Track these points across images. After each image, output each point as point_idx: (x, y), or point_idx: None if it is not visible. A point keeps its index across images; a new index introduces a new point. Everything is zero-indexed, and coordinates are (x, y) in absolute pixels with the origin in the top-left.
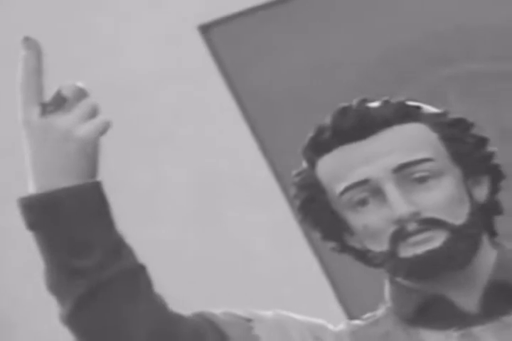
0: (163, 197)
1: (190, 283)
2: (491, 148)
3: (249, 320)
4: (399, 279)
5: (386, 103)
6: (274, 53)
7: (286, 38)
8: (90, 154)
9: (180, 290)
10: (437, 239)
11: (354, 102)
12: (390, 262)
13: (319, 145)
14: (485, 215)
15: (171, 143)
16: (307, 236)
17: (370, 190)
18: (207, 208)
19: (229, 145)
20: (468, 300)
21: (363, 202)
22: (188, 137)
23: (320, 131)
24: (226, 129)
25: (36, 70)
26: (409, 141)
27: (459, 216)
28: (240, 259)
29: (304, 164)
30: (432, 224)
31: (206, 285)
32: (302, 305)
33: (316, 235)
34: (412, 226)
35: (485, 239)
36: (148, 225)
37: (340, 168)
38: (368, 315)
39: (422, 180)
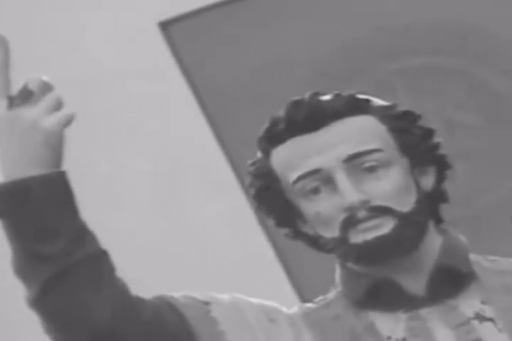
0: (124, 186)
1: (151, 268)
2: (437, 139)
3: (207, 303)
4: (349, 264)
5: (337, 96)
6: (231, 49)
7: (243, 34)
8: (55, 145)
9: (142, 274)
10: (386, 226)
11: (306, 95)
12: (341, 248)
13: (273, 137)
14: (431, 203)
15: (132, 135)
16: (262, 223)
17: (321, 179)
18: (166, 196)
19: (187, 137)
20: (416, 284)
21: (315, 191)
22: (149, 129)
23: (274, 122)
24: (185, 121)
25: (3, 65)
26: (359, 133)
27: (407, 204)
28: (197, 245)
29: (259, 154)
30: (380, 211)
31: (166, 269)
32: (257, 288)
33: (271, 222)
34: (361, 214)
35: (431, 225)
36: (110, 212)
37: (294, 158)
38: (319, 298)
39: (372, 169)
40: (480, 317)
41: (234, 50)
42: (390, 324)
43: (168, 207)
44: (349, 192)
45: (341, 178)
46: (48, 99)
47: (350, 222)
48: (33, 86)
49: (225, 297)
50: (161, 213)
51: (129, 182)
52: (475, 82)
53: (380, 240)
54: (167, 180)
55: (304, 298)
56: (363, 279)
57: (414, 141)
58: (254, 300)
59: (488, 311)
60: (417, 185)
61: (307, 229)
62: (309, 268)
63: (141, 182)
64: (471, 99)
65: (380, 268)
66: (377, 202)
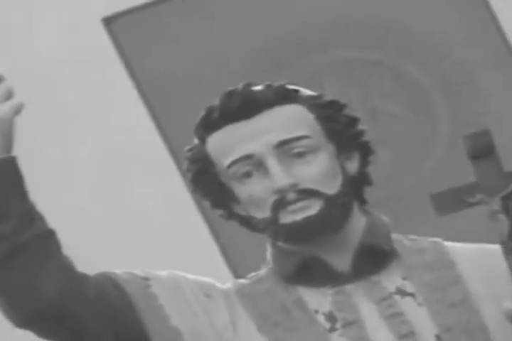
0: (71, 171)
1: (95, 246)
2: (361, 126)
3: (146, 279)
4: (279, 243)
5: (268, 87)
6: (170, 43)
7: (181, 29)
8: (6, 132)
9: (86, 252)
10: (313, 207)
11: (239, 86)
12: (272, 227)
13: (209, 124)
14: (356, 186)
15: (77, 123)
16: (198, 205)
17: (253, 164)
18: (109, 180)
19: (128, 125)
20: (341, 261)
21: (247, 175)
22: (93, 117)
23: (209, 111)
24: (126, 110)
25: None
26: (288, 120)
27: (333, 187)
28: (138, 225)
29: (196, 141)
30: (308, 194)
31: (109, 247)
32: (193, 265)
33: (206, 204)
34: (291, 196)
35: (355, 207)
36: (58, 195)
37: (228, 144)
38: (251, 274)
39: (300, 155)
40: (401, 292)
41: (172, 44)
42: (317, 298)
43: (112, 190)
44: (279, 175)
45: (272, 163)
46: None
47: (280, 204)
48: None
49: (163, 273)
50: (106, 195)
51: (76, 167)
52: (396, 72)
53: (308, 220)
54: (111, 164)
55: (237, 274)
56: (292, 257)
57: (340, 128)
58: (191, 277)
59: (409, 286)
60: (343, 169)
61: (240, 211)
62: (242, 246)
63: (87, 167)
64: (393, 88)
65: (308, 246)
66: (306, 185)
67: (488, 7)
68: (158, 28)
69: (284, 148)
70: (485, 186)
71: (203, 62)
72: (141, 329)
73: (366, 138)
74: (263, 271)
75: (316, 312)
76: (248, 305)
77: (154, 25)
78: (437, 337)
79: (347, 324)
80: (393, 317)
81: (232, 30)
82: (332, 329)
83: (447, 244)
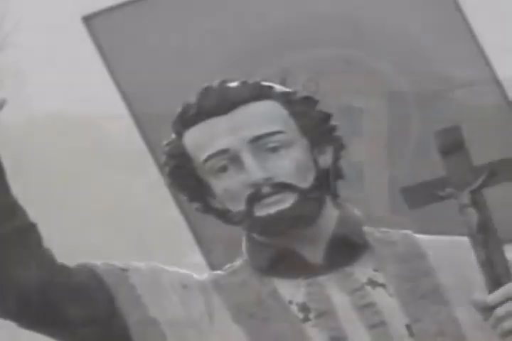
0: (59, 164)
1: (75, 237)
2: (333, 122)
3: (125, 270)
4: (254, 235)
5: (243, 83)
6: (148, 40)
7: (160, 26)
8: None
9: (66, 243)
10: (287, 201)
11: (215, 83)
12: (247, 220)
13: (186, 120)
14: (328, 180)
15: (58, 119)
16: (176, 198)
17: (229, 158)
18: (95, 174)
19: (107, 119)
20: (315, 253)
21: (223, 169)
22: (71, 111)
23: (186, 107)
24: (105, 106)
25: None
26: (263, 116)
27: (306, 181)
28: (117, 216)
29: (173, 136)
30: (282, 187)
31: (89, 237)
32: (170, 257)
33: (183, 197)
34: (265, 190)
35: (328, 200)
36: (45, 187)
37: (204, 139)
38: (227, 266)
39: (275, 149)
40: (373, 283)
41: (150, 41)
42: (291, 290)
43: (96, 184)
44: (254, 170)
45: (247, 157)
46: None
47: (255, 197)
48: None
49: (142, 265)
50: (88, 188)
51: (63, 162)
52: (369, 69)
53: (282, 213)
54: (95, 160)
55: (213, 266)
56: (266, 249)
57: (313, 123)
58: (169, 268)
59: (380, 277)
60: (316, 164)
61: (216, 204)
62: (218, 238)
63: (74, 162)
64: (366, 85)
65: (282, 239)
66: (280, 179)
67: (458, 7)
68: (138, 25)
69: (259, 143)
70: (454, 180)
71: (182, 58)
72: (119, 318)
73: (338, 133)
74: (238, 263)
75: (290, 302)
76: (224, 296)
77: (134, 22)
78: (407, 326)
79: (320, 314)
80: (365, 308)
81: (210, 28)
82: (305, 320)
83: (418, 236)
